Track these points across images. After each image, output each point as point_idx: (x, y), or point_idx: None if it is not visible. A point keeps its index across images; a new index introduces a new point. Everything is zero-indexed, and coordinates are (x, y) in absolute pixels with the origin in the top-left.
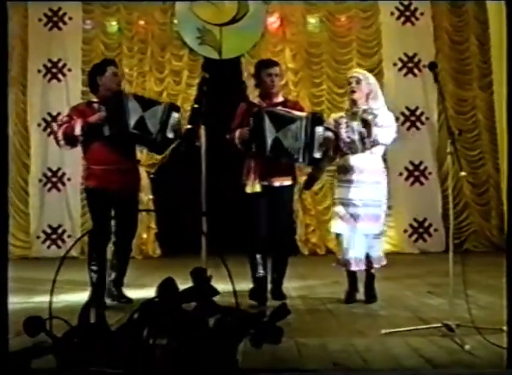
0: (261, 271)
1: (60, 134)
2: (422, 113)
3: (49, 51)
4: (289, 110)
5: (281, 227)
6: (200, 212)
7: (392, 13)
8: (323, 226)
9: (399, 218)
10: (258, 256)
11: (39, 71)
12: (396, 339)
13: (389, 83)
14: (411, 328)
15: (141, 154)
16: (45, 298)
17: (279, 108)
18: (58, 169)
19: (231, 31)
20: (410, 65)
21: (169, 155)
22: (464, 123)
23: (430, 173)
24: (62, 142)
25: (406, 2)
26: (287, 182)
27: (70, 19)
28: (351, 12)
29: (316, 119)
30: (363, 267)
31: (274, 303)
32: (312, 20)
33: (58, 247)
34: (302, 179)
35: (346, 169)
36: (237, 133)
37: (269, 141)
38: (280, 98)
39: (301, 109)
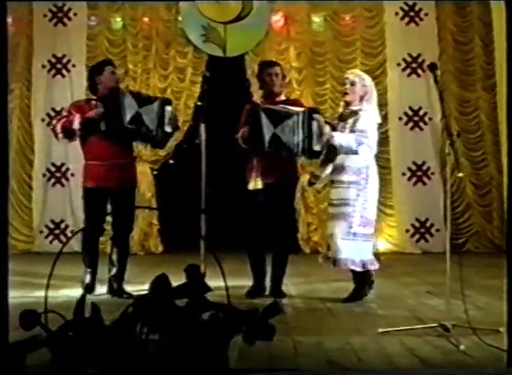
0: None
1: (59, 128)
2: (425, 114)
3: (54, 47)
4: (286, 106)
5: (282, 224)
6: (200, 209)
7: (396, 13)
8: (325, 224)
9: (401, 218)
10: (259, 253)
11: (43, 66)
12: (392, 338)
13: (392, 84)
14: (408, 328)
15: (145, 150)
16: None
17: (280, 105)
18: (62, 164)
19: (235, 29)
20: (413, 65)
21: (173, 152)
22: (467, 124)
23: (433, 173)
24: (60, 135)
25: (410, 3)
26: (290, 179)
27: (75, 15)
28: (356, 11)
29: (312, 112)
30: (341, 267)
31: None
32: (317, 19)
33: (61, 242)
34: (305, 177)
35: (335, 169)
36: (240, 132)
37: (267, 138)
38: (282, 97)
39: (301, 106)
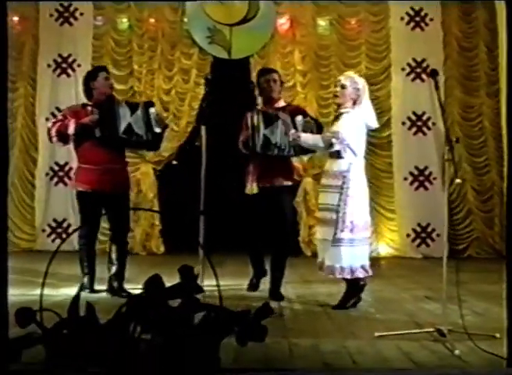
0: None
1: (54, 131)
2: (429, 119)
3: (59, 47)
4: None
5: (278, 228)
6: (199, 211)
7: (402, 18)
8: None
9: (402, 222)
10: (258, 254)
11: (49, 66)
12: (388, 342)
13: (396, 88)
14: (404, 332)
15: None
16: (45, 291)
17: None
18: (66, 163)
19: (241, 31)
20: (418, 70)
21: (176, 153)
22: (470, 130)
23: (435, 179)
24: (54, 138)
25: (416, 8)
26: (286, 183)
27: (81, 14)
28: (361, 15)
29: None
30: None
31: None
32: (322, 23)
33: (63, 241)
34: (307, 179)
35: (322, 173)
36: (241, 137)
37: (260, 139)
38: (282, 103)
39: (303, 112)
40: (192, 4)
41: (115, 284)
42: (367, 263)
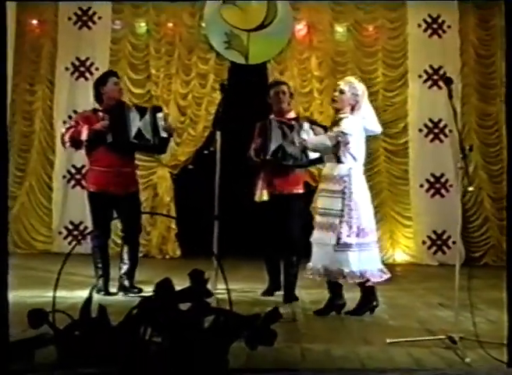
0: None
1: (67, 137)
2: (446, 126)
3: (78, 50)
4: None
5: (291, 233)
6: (213, 216)
7: (419, 25)
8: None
9: (418, 229)
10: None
11: (67, 69)
12: (399, 349)
13: (413, 95)
14: (416, 339)
15: (164, 155)
16: (60, 293)
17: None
18: (83, 166)
19: (258, 37)
20: (435, 77)
21: (192, 157)
22: (487, 138)
23: (451, 186)
24: (67, 144)
25: (434, 14)
26: (297, 190)
27: (100, 18)
28: (378, 22)
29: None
30: (319, 277)
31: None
32: (339, 29)
33: (80, 243)
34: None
35: (321, 178)
36: (253, 145)
37: (273, 147)
38: (292, 115)
39: (314, 123)
40: (210, 9)
41: (126, 283)
42: (377, 267)
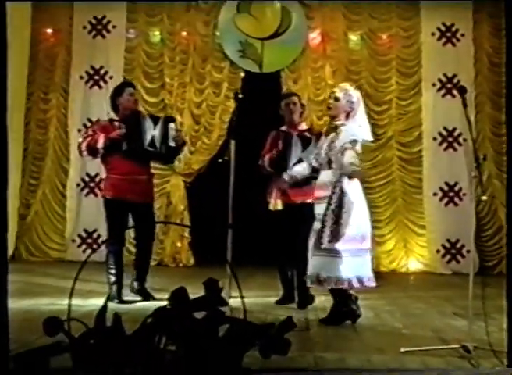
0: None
1: (84, 146)
2: (460, 134)
3: (92, 59)
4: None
5: (303, 242)
6: (227, 225)
7: (433, 33)
8: None
9: (432, 238)
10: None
11: (81, 77)
12: (413, 357)
13: (427, 104)
14: (430, 348)
15: (179, 163)
16: (74, 301)
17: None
18: (96, 174)
19: (272, 45)
20: (449, 86)
21: (206, 166)
22: (501, 146)
23: (464, 194)
24: (84, 153)
25: (448, 23)
26: (310, 199)
27: (114, 27)
28: (392, 30)
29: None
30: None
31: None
32: (353, 37)
33: (94, 251)
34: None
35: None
36: (268, 155)
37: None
38: (304, 126)
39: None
40: (224, 18)
41: (136, 285)
42: (364, 275)
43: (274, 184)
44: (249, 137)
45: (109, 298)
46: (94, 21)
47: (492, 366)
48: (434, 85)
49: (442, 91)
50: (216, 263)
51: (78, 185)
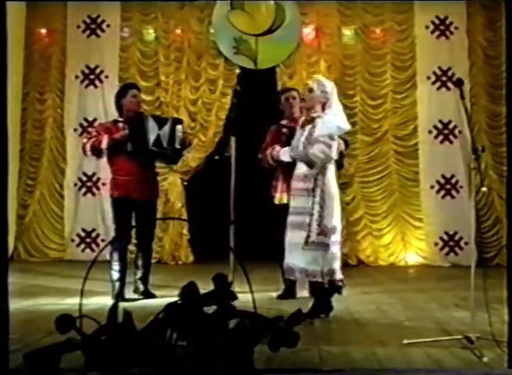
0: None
1: (88, 146)
2: (455, 127)
3: (87, 58)
4: None
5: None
6: (229, 221)
7: (427, 27)
8: (354, 236)
9: (430, 231)
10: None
11: (76, 77)
12: (417, 349)
13: (422, 97)
14: (433, 339)
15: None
16: (77, 300)
17: None
18: (93, 174)
19: (267, 41)
20: (443, 78)
21: (204, 163)
22: (496, 138)
23: (461, 187)
24: (89, 153)
25: (441, 16)
26: None
27: (108, 26)
28: (386, 24)
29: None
30: (294, 277)
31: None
32: (347, 32)
33: (92, 250)
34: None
35: (293, 177)
36: (269, 150)
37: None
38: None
39: None
40: (218, 14)
41: (141, 287)
42: (338, 267)
43: (279, 178)
44: (246, 132)
45: (118, 296)
46: (88, 20)
47: (496, 356)
48: (429, 78)
49: (437, 84)
50: (216, 260)
51: (75, 185)
